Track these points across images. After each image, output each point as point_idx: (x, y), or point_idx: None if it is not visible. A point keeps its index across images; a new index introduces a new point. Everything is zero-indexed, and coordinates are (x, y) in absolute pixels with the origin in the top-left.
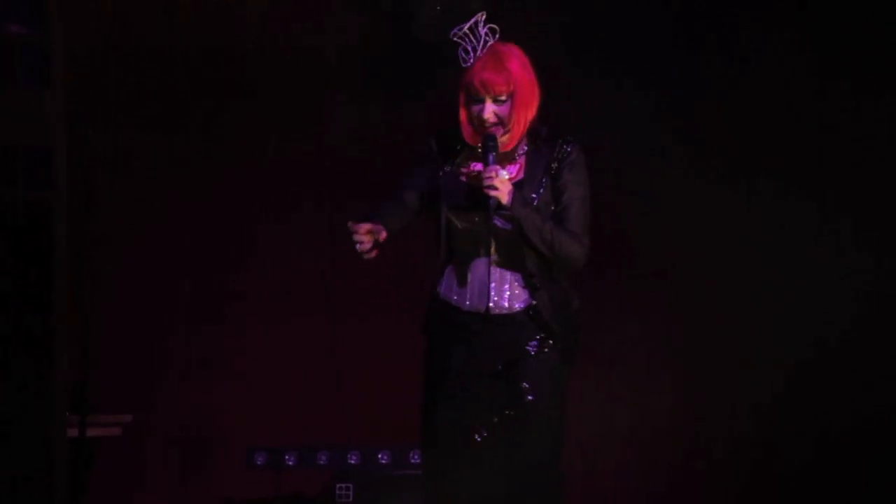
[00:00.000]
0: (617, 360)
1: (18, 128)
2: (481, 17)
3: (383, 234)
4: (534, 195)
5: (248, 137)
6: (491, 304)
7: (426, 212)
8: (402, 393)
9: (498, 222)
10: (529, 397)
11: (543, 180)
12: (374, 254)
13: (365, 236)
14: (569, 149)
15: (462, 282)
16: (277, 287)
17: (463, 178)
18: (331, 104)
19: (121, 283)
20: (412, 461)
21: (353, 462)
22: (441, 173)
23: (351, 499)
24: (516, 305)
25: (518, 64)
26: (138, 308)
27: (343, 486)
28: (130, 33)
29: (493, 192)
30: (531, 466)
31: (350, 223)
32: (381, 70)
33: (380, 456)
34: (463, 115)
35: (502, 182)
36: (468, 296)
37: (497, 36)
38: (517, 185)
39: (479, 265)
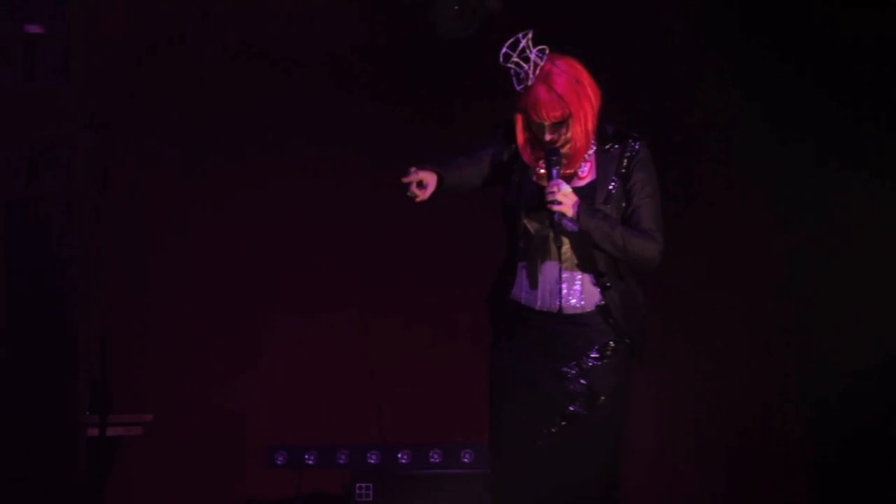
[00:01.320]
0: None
1: (39, 125)
2: (528, 38)
3: (429, 190)
4: (606, 195)
5: (274, 133)
6: (562, 304)
7: (490, 185)
8: (421, 393)
9: (567, 224)
10: (600, 398)
11: (615, 179)
12: (418, 199)
13: (414, 188)
14: (637, 146)
15: (533, 282)
16: (299, 287)
17: (534, 178)
18: (360, 100)
19: (141, 281)
20: (432, 461)
21: (372, 462)
22: (514, 168)
23: (371, 498)
24: (587, 305)
25: (570, 83)
26: (159, 307)
27: (363, 485)
28: (152, 31)
29: (557, 207)
30: (594, 466)
31: (411, 168)
32: (405, 69)
33: (399, 455)
34: (521, 137)
35: (565, 195)
36: (539, 296)
37: (546, 54)
38: (589, 186)
39: (551, 266)
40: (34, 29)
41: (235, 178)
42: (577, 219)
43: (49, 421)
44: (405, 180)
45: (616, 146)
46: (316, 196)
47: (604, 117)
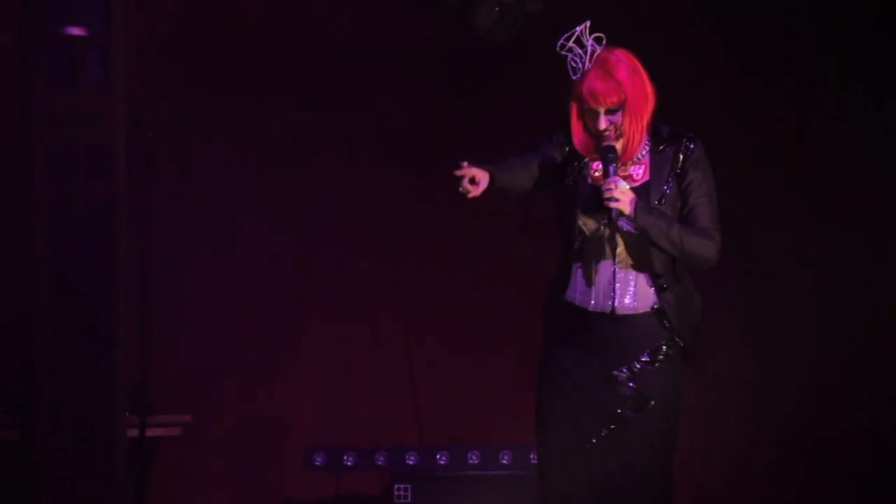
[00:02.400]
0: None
1: (80, 127)
2: (585, 27)
3: (480, 187)
4: (661, 196)
5: (312, 135)
6: (616, 304)
7: (541, 189)
8: (460, 394)
9: (623, 224)
10: (650, 402)
11: (669, 180)
12: (470, 195)
13: (466, 183)
14: (692, 146)
15: (588, 282)
16: (337, 288)
17: (589, 181)
18: (402, 102)
19: (180, 283)
20: (470, 462)
21: (411, 463)
22: (568, 171)
23: (409, 499)
24: (642, 306)
25: (627, 71)
26: (198, 307)
27: (401, 486)
28: (193, 33)
29: (613, 204)
30: (644, 471)
31: (464, 163)
32: (444, 70)
33: (438, 457)
34: (576, 126)
35: (623, 192)
36: (593, 296)
37: (604, 43)
38: (643, 187)
39: (605, 266)
40: (76, 31)
41: (277, 181)
42: (634, 216)
43: (89, 422)
44: (458, 173)
45: (671, 147)
46: (356, 199)
47: (659, 118)
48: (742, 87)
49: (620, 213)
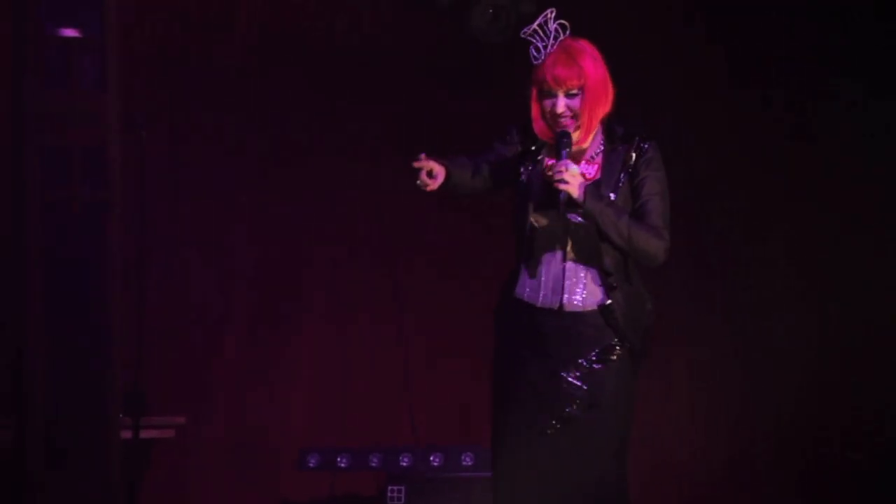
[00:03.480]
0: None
1: (74, 129)
2: (550, 13)
3: (438, 181)
4: (612, 194)
5: (306, 139)
6: (564, 301)
7: (491, 189)
8: (454, 396)
9: (574, 218)
10: (594, 402)
11: (621, 178)
12: (428, 188)
13: (423, 176)
14: (646, 146)
15: (538, 278)
16: (331, 289)
17: (542, 177)
18: (394, 103)
19: (175, 285)
20: (464, 463)
21: (404, 464)
22: (521, 169)
23: (403, 501)
24: (590, 304)
25: (589, 58)
26: (192, 309)
27: (395, 488)
28: (187, 34)
29: (563, 186)
30: (595, 472)
31: (422, 155)
32: (438, 71)
33: (432, 458)
34: (535, 110)
35: (573, 176)
36: (542, 293)
37: (567, 32)
38: (595, 184)
39: (555, 262)
40: (70, 32)
41: (270, 183)
42: (583, 201)
43: (82, 423)
44: (416, 165)
45: (624, 146)
46: (349, 200)
47: (616, 117)
48: (742, 85)
49: (570, 198)
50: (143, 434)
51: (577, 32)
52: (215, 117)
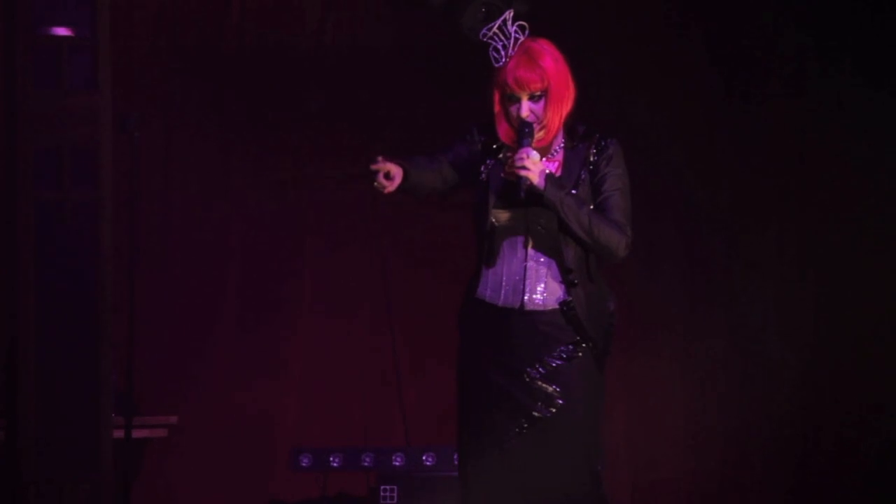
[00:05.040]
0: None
1: (66, 128)
2: (509, 15)
3: (395, 182)
4: (572, 191)
5: (297, 136)
6: (525, 299)
7: (452, 189)
8: (445, 395)
9: (538, 222)
10: (560, 401)
11: (582, 175)
12: (386, 190)
13: (381, 178)
14: (605, 143)
15: (497, 279)
16: (323, 289)
17: (502, 175)
18: (382, 102)
19: (167, 284)
20: (456, 463)
21: (397, 464)
22: (483, 168)
23: (395, 500)
24: (551, 301)
25: (551, 59)
26: (184, 309)
27: (387, 487)
28: (179, 34)
29: (524, 173)
30: (563, 472)
31: (379, 157)
32: (432, 68)
33: (424, 458)
34: (498, 113)
35: (534, 163)
36: (503, 293)
37: (527, 32)
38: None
39: (516, 261)
40: (62, 32)
41: (261, 181)
42: (543, 189)
43: (75, 423)
44: (373, 167)
45: (584, 144)
46: (339, 199)
47: (576, 117)
48: (741, 84)
49: (530, 184)
50: (136, 433)
51: (571, 24)
52: (207, 116)
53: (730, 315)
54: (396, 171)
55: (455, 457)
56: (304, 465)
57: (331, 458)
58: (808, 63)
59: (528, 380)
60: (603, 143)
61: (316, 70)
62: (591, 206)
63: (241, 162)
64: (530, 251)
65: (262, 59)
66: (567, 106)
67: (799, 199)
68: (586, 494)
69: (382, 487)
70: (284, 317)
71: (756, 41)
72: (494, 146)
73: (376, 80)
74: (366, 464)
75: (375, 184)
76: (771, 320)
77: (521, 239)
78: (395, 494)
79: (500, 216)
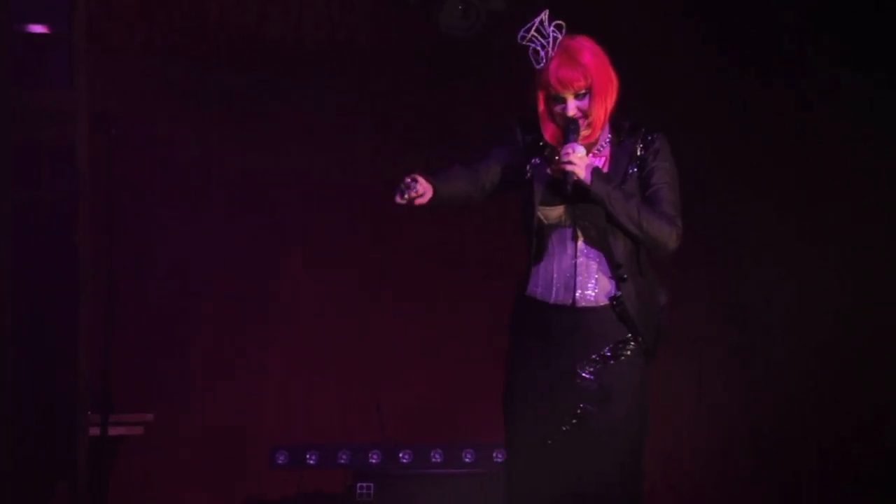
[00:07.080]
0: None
1: (43, 125)
2: (545, 15)
3: (426, 198)
4: (621, 181)
5: (277, 134)
6: (577, 296)
7: (489, 197)
8: (423, 393)
9: (586, 217)
10: (607, 398)
11: (629, 170)
12: (416, 202)
13: (412, 193)
14: (651, 137)
15: (548, 276)
16: (301, 287)
17: (548, 171)
18: (367, 97)
19: (144, 281)
20: (433, 460)
21: (373, 461)
22: (528, 167)
23: (372, 498)
24: (602, 297)
25: (590, 55)
26: (161, 306)
27: (364, 485)
28: (157, 30)
29: (570, 167)
30: (611, 469)
31: (408, 177)
32: (413, 64)
33: (401, 455)
34: (543, 115)
35: (580, 158)
36: (554, 290)
37: (564, 31)
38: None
39: (566, 258)
40: (38, 29)
41: (240, 179)
42: (590, 183)
43: (51, 420)
44: (411, 193)
45: (631, 139)
46: (319, 197)
47: (621, 111)
48: (740, 84)
49: (577, 179)
50: (112, 431)
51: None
52: (186, 112)
53: (729, 314)
54: (426, 189)
55: (431, 454)
56: (280, 462)
57: (307, 456)
58: (816, 58)
59: (576, 377)
60: (649, 138)
61: (297, 66)
62: (642, 192)
63: (221, 159)
64: (580, 247)
65: (243, 53)
66: (611, 99)
67: (803, 199)
68: (627, 493)
69: (359, 485)
70: (262, 315)
71: (761, 32)
72: (540, 143)
73: (357, 76)
74: (342, 461)
75: (404, 200)
76: (775, 320)
77: (569, 235)
78: (371, 492)
79: (548, 213)
